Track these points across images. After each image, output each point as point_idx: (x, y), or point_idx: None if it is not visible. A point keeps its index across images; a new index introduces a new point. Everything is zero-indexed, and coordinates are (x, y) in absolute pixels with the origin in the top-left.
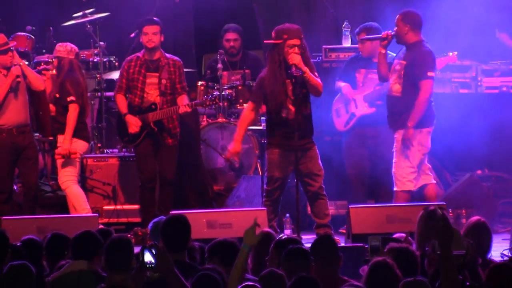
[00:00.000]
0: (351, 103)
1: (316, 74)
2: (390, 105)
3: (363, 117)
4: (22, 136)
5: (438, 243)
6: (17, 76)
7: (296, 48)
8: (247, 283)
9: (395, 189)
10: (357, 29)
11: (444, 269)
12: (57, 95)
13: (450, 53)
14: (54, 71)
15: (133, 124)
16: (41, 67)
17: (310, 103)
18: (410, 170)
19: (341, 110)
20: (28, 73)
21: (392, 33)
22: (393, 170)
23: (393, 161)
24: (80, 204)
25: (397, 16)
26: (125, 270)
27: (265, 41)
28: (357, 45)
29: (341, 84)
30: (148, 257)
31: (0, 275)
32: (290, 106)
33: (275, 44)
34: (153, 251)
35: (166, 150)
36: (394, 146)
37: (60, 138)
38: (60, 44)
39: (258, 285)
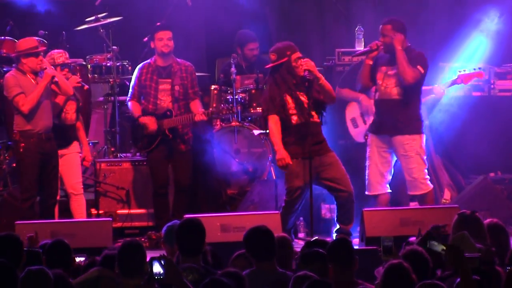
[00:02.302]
0: (370, 115)
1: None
2: (393, 109)
3: None
4: (50, 142)
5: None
6: (53, 78)
7: (300, 60)
8: None
9: (419, 192)
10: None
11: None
12: (81, 104)
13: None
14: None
15: (149, 123)
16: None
17: (322, 110)
18: (427, 172)
19: (358, 120)
20: (58, 77)
21: (379, 43)
22: (413, 175)
23: (411, 166)
24: (84, 212)
25: (386, 26)
26: (138, 275)
27: (268, 66)
28: None
29: (358, 96)
30: (157, 268)
31: (16, 280)
32: (298, 114)
33: (281, 63)
34: (162, 262)
35: (180, 157)
36: (408, 151)
37: (77, 144)
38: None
39: None
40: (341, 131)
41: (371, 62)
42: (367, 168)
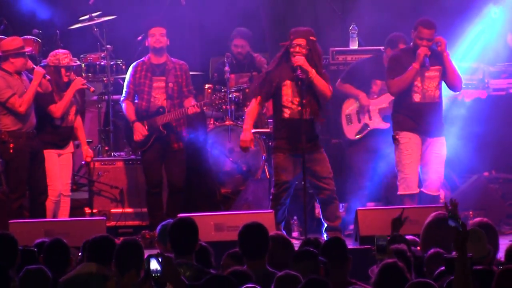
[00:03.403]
0: (365, 114)
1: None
2: (436, 111)
3: (376, 130)
4: (35, 139)
5: (454, 245)
6: (44, 75)
7: (298, 47)
8: (248, 285)
9: (438, 193)
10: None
11: (458, 271)
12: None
13: None
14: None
15: (139, 131)
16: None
17: (317, 106)
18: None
19: (353, 118)
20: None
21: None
22: (440, 174)
23: (441, 166)
24: (68, 215)
25: (431, 31)
26: (135, 273)
27: (280, 43)
28: (365, 48)
29: (358, 94)
30: (154, 266)
31: (8, 279)
32: (293, 106)
33: (286, 46)
34: (159, 259)
35: (174, 156)
36: (441, 151)
37: (72, 144)
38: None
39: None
40: (337, 129)
41: (419, 68)
42: (406, 166)
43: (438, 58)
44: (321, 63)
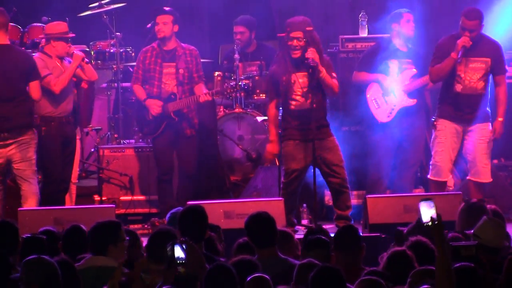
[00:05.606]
0: (390, 94)
1: (333, 74)
2: (478, 102)
3: (404, 108)
4: (70, 126)
5: (434, 236)
6: (83, 59)
7: (295, 40)
8: (256, 274)
9: (489, 180)
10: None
11: (438, 259)
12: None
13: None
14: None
15: (155, 105)
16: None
17: (323, 93)
18: None
19: (380, 101)
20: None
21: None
22: (486, 160)
23: (487, 152)
24: (74, 202)
25: (475, 22)
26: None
27: (278, 34)
28: (374, 35)
29: (377, 77)
30: (178, 253)
31: (9, 267)
32: (300, 98)
33: (283, 37)
34: (184, 246)
35: (185, 142)
36: (486, 137)
37: (78, 130)
38: None
39: (266, 276)
40: (358, 116)
41: (456, 57)
42: (437, 154)
43: (486, 50)
44: (321, 51)
